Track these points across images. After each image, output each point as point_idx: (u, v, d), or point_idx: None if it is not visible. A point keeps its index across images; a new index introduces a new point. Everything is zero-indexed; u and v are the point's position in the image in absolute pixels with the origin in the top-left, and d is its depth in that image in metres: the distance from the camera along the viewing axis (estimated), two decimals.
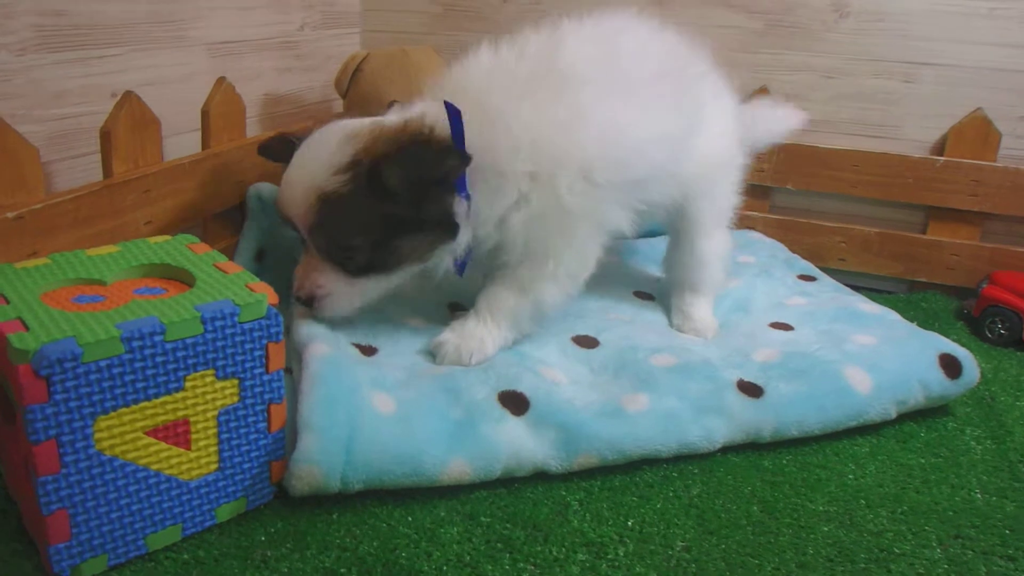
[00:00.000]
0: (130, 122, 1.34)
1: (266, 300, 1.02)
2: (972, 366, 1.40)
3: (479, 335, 1.34)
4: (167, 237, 1.18)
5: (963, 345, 1.48)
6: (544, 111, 1.27)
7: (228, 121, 1.58)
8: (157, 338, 0.93)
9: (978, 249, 1.92)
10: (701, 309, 1.58)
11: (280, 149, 1.33)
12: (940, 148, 1.92)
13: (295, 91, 2.00)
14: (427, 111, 1.27)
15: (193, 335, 0.96)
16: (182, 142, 1.60)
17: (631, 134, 1.33)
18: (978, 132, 1.87)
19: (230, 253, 1.58)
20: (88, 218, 1.26)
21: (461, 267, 1.34)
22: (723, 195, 1.56)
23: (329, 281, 1.27)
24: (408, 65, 1.88)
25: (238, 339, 1.00)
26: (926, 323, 1.70)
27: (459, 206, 1.25)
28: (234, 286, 1.03)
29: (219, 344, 0.98)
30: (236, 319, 0.99)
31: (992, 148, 1.87)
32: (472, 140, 1.24)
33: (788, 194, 1.99)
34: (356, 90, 1.88)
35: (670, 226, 1.60)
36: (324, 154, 1.22)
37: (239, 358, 1.01)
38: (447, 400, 1.19)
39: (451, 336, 1.34)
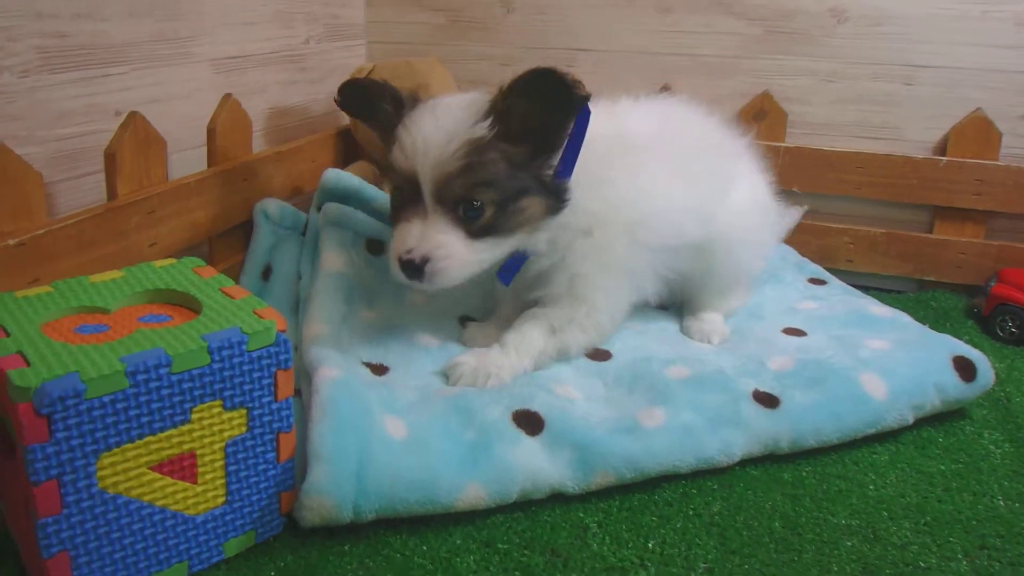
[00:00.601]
0: (135, 143, 1.28)
1: (275, 327, 0.95)
2: (986, 368, 1.35)
3: (498, 362, 1.29)
4: (172, 260, 1.11)
5: (975, 345, 1.44)
6: (612, 167, 1.31)
7: (234, 138, 1.52)
8: (163, 370, 0.86)
9: (984, 247, 1.88)
10: (711, 316, 1.53)
11: (359, 98, 1.33)
12: (942, 148, 1.89)
13: (301, 104, 1.93)
14: None
15: (200, 366, 0.89)
16: (188, 158, 1.53)
17: (673, 204, 1.36)
18: (979, 132, 1.84)
19: (236, 271, 1.53)
20: (91, 242, 1.19)
21: (511, 273, 1.31)
22: (742, 264, 1.54)
23: (449, 242, 1.20)
24: (414, 77, 1.82)
25: (246, 368, 0.93)
26: (937, 323, 1.68)
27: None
28: (241, 312, 0.96)
29: (226, 374, 0.91)
30: (244, 348, 0.92)
31: (993, 147, 1.84)
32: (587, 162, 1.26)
33: (795, 196, 1.92)
34: None
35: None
36: (462, 106, 1.21)
37: (247, 387, 0.94)
38: (460, 421, 1.13)
39: (468, 358, 1.29)
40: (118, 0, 1.37)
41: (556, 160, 1.23)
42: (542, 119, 1.18)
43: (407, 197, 1.22)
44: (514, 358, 1.30)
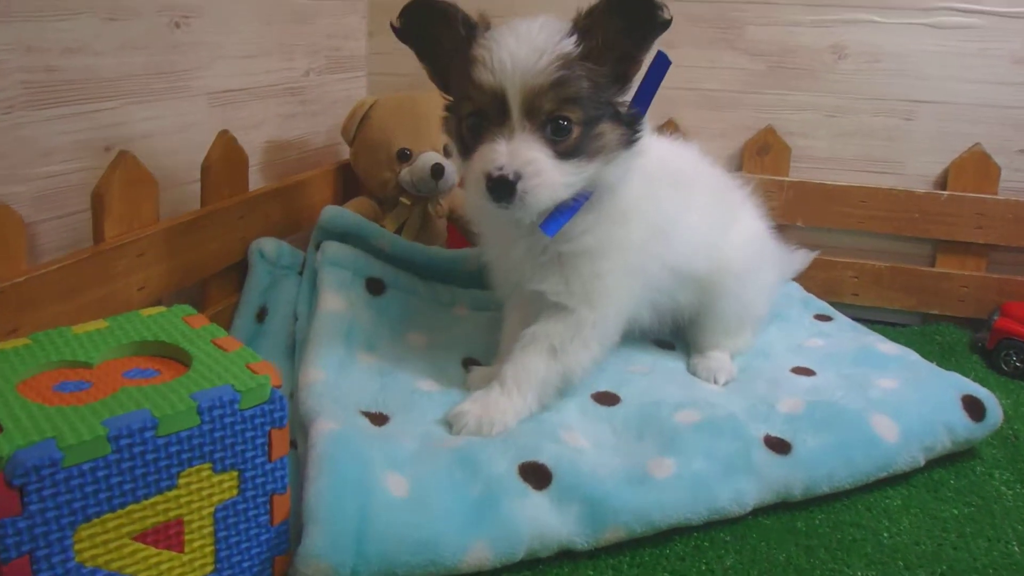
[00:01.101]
0: (124, 183, 1.20)
1: (269, 383, 0.86)
2: (995, 406, 1.30)
3: (502, 406, 1.20)
4: (162, 308, 1.02)
5: (981, 379, 1.43)
6: (660, 180, 1.29)
7: (229, 176, 1.43)
8: (148, 434, 0.77)
9: (986, 280, 1.85)
10: (718, 355, 1.47)
11: (422, 21, 1.24)
12: (943, 182, 1.86)
13: (300, 137, 1.85)
14: None
15: (188, 427, 0.80)
16: (184, 193, 1.45)
17: (694, 234, 1.36)
18: (978, 166, 1.82)
19: (231, 312, 1.44)
20: (76, 288, 1.11)
21: (554, 225, 1.19)
22: (746, 304, 1.48)
23: (540, 159, 1.12)
24: (416, 112, 1.74)
25: (238, 428, 0.84)
26: (943, 357, 1.66)
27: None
28: (234, 367, 0.87)
29: (217, 435, 0.83)
30: (236, 407, 0.83)
31: (993, 181, 1.81)
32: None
33: (799, 231, 1.89)
34: (364, 137, 1.74)
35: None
36: (545, 25, 1.14)
37: (239, 448, 0.85)
38: (465, 475, 1.04)
39: (472, 407, 1.20)
40: (113, 34, 1.30)
41: (631, 92, 1.18)
42: (624, 40, 1.13)
43: (491, 118, 1.13)
44: (516, 398, 1.21)
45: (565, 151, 1.12)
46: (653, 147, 1.28)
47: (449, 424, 1.19)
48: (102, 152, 1.28)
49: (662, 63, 1.16)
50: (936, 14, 1.78)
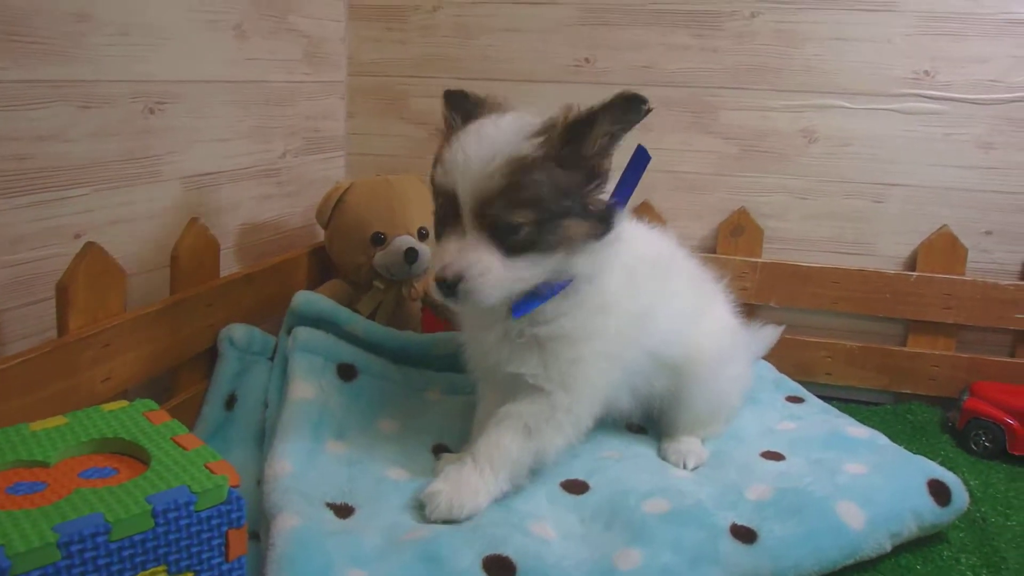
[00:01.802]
0: (90, 275, 1.18)
1: (227, 484, 0.84)
2: (960, 491, 1.29)
3: (473, 486, 1.18)
4: (123, 403, 1.00)
5: (951, 460, 1.47)
6: (640, 267, 1.29)
7: (199, 263, 1.41)
8: (100, 539, 0.75)
9: (956, 359, 1.85)
10: (689, 439, 1.44)
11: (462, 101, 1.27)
12: (912, 263, 1.88)
13: (277, 218, 1.84)
14: None
15: (142, 531, 0.78)
16: (156, 278, 1.44)
17: (673, 319, 1.36)
18: (946, 247, 1.84)
19: (201, 399, 1.41)
20: (38, 382, 1.08)
21: (523, 309, 1.20)
22: (719, 394, 1.47)
23: (485, 258, 1.12)
24: (392, 196, 1.73)
25: (194, 530, 0.82)
26: (914, 436, 1.66)
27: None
28: (192, 467, 0.86)
29: (172, 537, 0.81)
30: (192, 508, 0.81)
31: (960, 262, 1.83)
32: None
33: (772, 311, 1.90)
34: (338, 221, 1.73)
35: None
36: (514, 122, 1.14)
37: (195, 549, 0.83)
38: (429, 571, 1.01)
39: (444, 486, 1.17)
40: (87, 120, 1.29)
41: (608, 187, 1.18)
42: (599, 140, 1.13)
43: (447, 215, 1.14)
44: (489, 476, 1.19)
45: (517, 248, 1.12)
46: (631, 234, 1.28)
47: (422, 504, 1.16)
48: (71, 239, 1.26)
49: (642, 157, 1.18)
50: (903, 100, 1.82)
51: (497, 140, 1.11)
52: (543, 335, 1.21)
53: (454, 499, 1.15)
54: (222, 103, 1.61)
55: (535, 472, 1.26)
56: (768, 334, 1.81)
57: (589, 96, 1.91)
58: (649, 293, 1.30)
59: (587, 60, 1.96)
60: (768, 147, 1.91)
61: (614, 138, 1.14)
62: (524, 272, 1.14)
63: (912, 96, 1.81)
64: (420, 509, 1.16)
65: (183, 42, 1.48)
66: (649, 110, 1.12)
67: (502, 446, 1.21)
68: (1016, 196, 1.80)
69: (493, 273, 1.12)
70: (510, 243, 1.12)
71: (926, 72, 1.80)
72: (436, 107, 2.02)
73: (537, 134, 1.11)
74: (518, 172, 1.09)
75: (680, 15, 1.89)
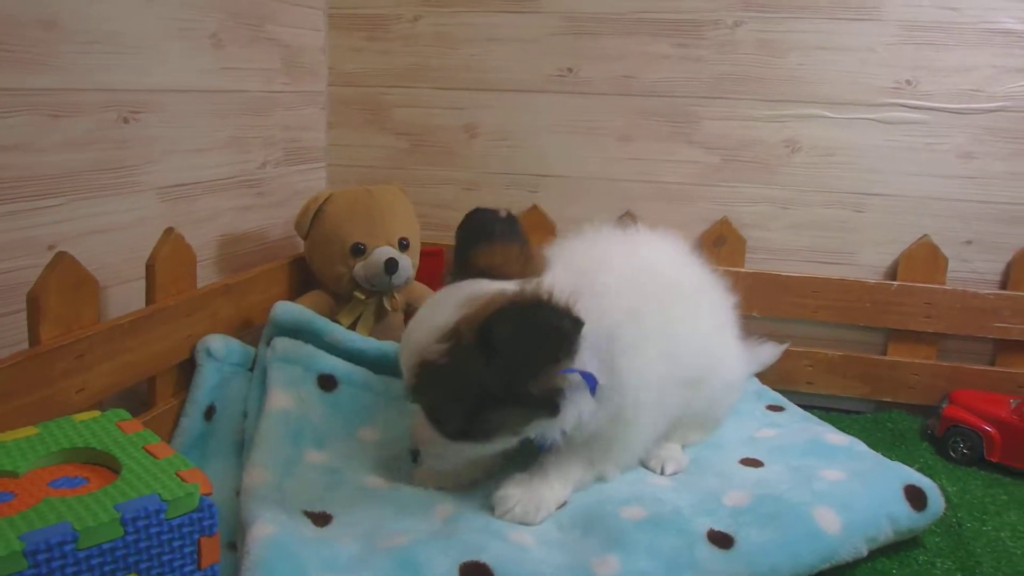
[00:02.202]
0: (62, 285, 1.17)
1: (198, 491, 0.84)
2: (937, 496, 1.30)
3: (544, 495, 1.22)
4: (95, 413, 1.00)
5: (929, 466, 1.50)
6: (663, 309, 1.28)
7: (176, 273, 1.40)
8: (68, 547, 0.75)
9: (936, 368, 1.86)
10: (670, 446, 1.45)
11: (477, 228, 1.27)
12: (893, 272, 1.89)
13: (257, 229, 1.84)
14: (546, 280, 1.17)
15: (111, 539, 0.78)
16: (132, 290, 1.43)
17: (703, 336, 1.37)
18: (927, 257, 1.85)
19: (177, 411, 1.40)
20: (10, 392, 1.07)
21: (545, 442, 1.22)
22: (716, 400, 1.48)
23: (429, 439, 1.19)
24: (372, 206, 1.74)
25: (164, 538, 0.82)
26: (893, 444, 1.67)
27: (569, 383, 1.14)
28: (163, 475, 0.85)
29: (142, 545, 0.80)
30: (163, 516, 0.81)
31: (941, 271, 1.84)
32: (605, 316, 1.18)
33: (754, 321, 1.89)
34: (317, 231, 1.73)
35: None
36: (435, 319, 1.14)
37: (166, 558, 0.82)
38: None
39: (516, 492, 1.21)
40: (58, 130, 1.29)
41: (549, 372, 1.11)
42: (526, 338, 1.08)
43: None
44: (558, 489, 1.24)
45: (451, 435, 1.16)
46: (645, 259, 1.34)
47: (492, 507, 1.20)
48: (45, 250, 1.25)
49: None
50: (885, 110, 1.83)
51: (417, 340, 1.13)
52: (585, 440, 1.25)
53: (528, 505, 1.19)
54: (199, 113, 1.61)
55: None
56: (768, 352, 1.83)
57: (572, 106, 1.96)
58: (676, 320, 1.29)
59: (570, 70, 1.97)
60: (751, 157, 1.92)
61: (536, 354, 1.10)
62: (472, 451, 1.20)
63: (894, 106, 1.83)
64: (409, 515, 1.18)
65: (157, 51, 1.48)
66: (571, 321, 1.08)
67: (569, 467, 1.26)
68: (996, 206, 1.82)
69: (437, 453, 1.20)
70: (440, 430, 1.16)
71: (908, 82, 1.81)
72: (419, 118, 2.06)
73: (446, 338, 1.10)
74: (427, 374, 1.12)
75: (662, 24, 1.90)
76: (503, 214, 1.28)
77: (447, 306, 1.13)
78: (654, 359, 1.23)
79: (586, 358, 1.13)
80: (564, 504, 1.24)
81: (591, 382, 1.14)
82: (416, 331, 1.15)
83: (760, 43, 1.87)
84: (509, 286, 1.15)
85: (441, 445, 1.18)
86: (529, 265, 1.22)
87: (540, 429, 1.18)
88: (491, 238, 1.24)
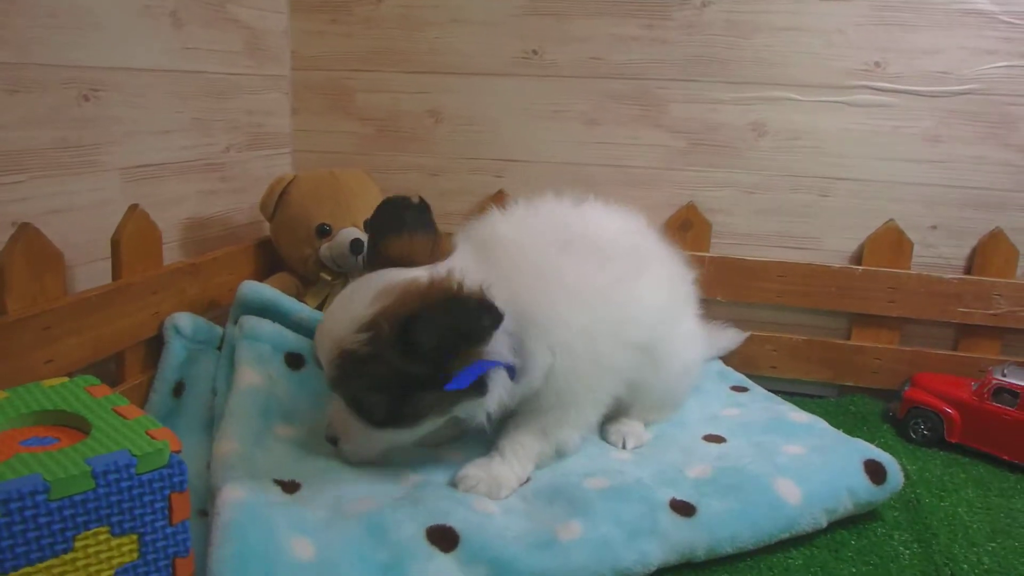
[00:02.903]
0: (27, 256, 1.20)
1: (168, 448, 0.89)
2: (896, 471, 1.35)
3: (505, 474, 1.28)
4: (64, 379, 1.04)
5: (889, 447, 1.52)
6: (600, 274, 1.31)
7: (141, 250, 1.44)
8: (40, 498, 0.80)
9: (899, 352, 1.91)
10: (632, 422, 1.52)
11: (389, 219, 1.31)
12: (858, 257, 1.93)
13: (222, 213, 1.87)
14: (455, 266, 1.20)
15: (83, 491, 0.82)
16: (97, 270, 1.45)
17: (657, 301, 1.40)
18: (892, 242, 1.89)
19: (146, 388, 1.44)
20: None
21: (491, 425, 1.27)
22: (676, 377, 1.53)
23: (352, 430, 1.23)
24: (337, 188, 1.78)
25: (136, 492, 0.86)
26: (855, 426, 1.71)
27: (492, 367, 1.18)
28: (133, 433, 0.90)
29: (114, 499, 0.85)
30: (133, 471, 0.86)
31: (906, 256, 1.88)
32: (520, 294, 1.21)
33: (718, 305, 1.94)
34: (283, 214, 1.78)
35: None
36: (351, 310, 1.16)
37: (138, 512, 0.87)
38: (372, 542, 1.06)
39: (476, 471, 1.27)
40: (17, 105, 1.31)
41: (470, 358, 1.15)
42: (448, 335, 1.12)
43: None
44: (516, 467, 1.29)
45: (376, 424, 1.20)
46: (599, 221, 1.40)
47: (455, 484, 1.25)
48: (9, 227, 1.27)
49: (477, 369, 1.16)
50: (853, 92, 1.86)
51: (335, 331, 1.16)
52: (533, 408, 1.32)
53: (491, 484, 1.25)
54: (160, 93, 1.63)
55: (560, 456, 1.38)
56: (729, 338, 1.88)
57: (538, 89, 1.99)
58: (617, 285, 1.33)
59: (535, 52, 1.99)
60: (717, 141, 1.95)
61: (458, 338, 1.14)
62: (395, 437, 1.24)
63: (862, 88, 1.86)
64: (376, 483, 1.23)
65: (116, 28, 1.49)
66: (491, 314, 1.11)
67: (525, 444, 1.31)
68: (963, 190, 1.86)
69: (359, 440, 1.24)
70: (367, 420, 1.20)
71: (877, 64, 1.84)
72: (383, 102, 2.08)
73: (366, 328, 1.13)
74: (349, 364, 1.15)
75: (629, 4, 1.92)
76: (415, 200, 1.32)
77: (362, 298, 1.16)
78: (582, 328, 1.26)
79: (500, 342, 1.17)
80: (528, 480, 1.30)
81: (506, 366, 1.20)
82: (333, 323, 1.18)
83: (728, 24, 1.89)
84: (421, 274, 1.18)
85: (363, 434, 1.22)
86: (436, 251, 1.26)
87: (466, 410, 1.22)
88: (402, 227, 1.28)
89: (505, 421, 1.33)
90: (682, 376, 1.53)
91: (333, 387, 1.20)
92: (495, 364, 1.17)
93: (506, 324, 1.14)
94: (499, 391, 1.20)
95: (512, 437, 1.32)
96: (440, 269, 1.20)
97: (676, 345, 1.47)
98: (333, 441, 1.25)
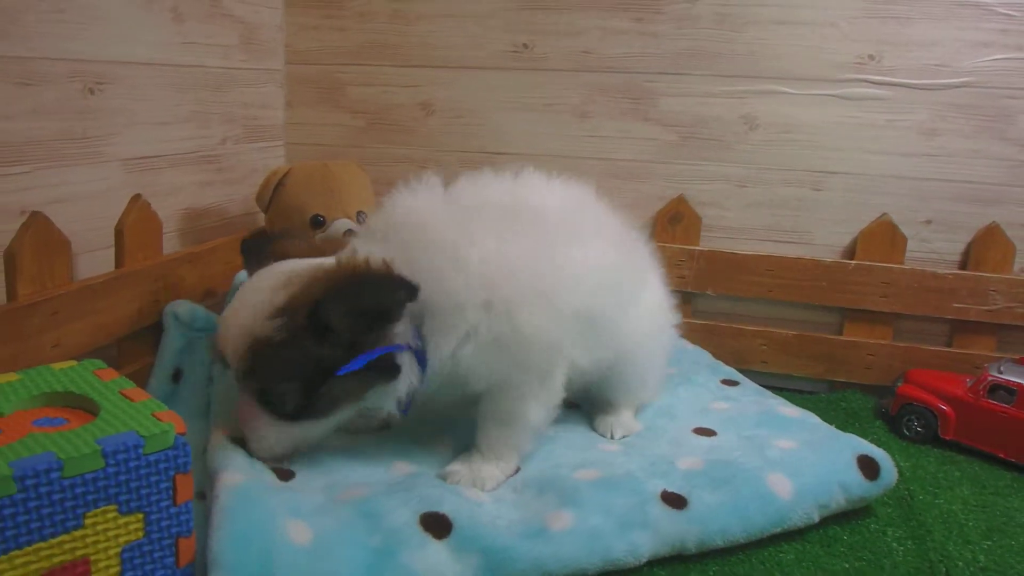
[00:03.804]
0: (36, 244, 1.27)
1: (173, 430, 0.95)
2: (889, 466, 1.38)
3: (489, 470, 1.31)
4: (73, 362, 1.11)
5: (882, 444, 1.49)
6: (509, 244, 1.25)
7: (143, 239, 1.51)
8: (54, 475, 0.86)
9: (892, 348, 1.93)
10: (622, 412, 1.55)
11: (259, 247, 1.30)
12: (851, 252, 1.95)
13: (218, 204, 1.93)
14: (358, 249, 1.22)
15: (93, 470, 0.89)
16: (97, 259, 1.52)
17: (592, 267, 1.32)
18: (885, 236, 1.91)
19: (146, 373, 1.51)
20: None
21: (405, 408, 1.26)
22: (652, 365, 1.54)
23: (262, 425, 1.20)
24: (330, 179, 1.84)
25: (143, 472, 0.93)
26: (847, 422, 1.72)
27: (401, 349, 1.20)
28: (140, 415, 0.96)
29: (122, 478, 0.91)
30: (140, 451, 0.92)
31: (899, 251, 1.90)
32: (419, 274, 1.18)
33: (709, 299, 1.99)
34: (278, 205, 1.83)
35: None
36: (259, 298, 1.16)
37: (144, 492, 0.93)
38: (366, 527, 1.11)
39: (462, 468, 1.31)
40: (23, 98, 1.37)
41: (381, 338, 1.18)
42: (360, 313, 1.15)
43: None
44: (498, 461, 1.33)
45: (288, 415, 1.19)
46: (538, 196, 1.35)
47: (443, 478, 1.29)
48: (17, 216, 1.34)
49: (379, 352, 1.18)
50: (846, 85, 1.89)
51: (244, 317, 1.15)
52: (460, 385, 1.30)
53: (476, 477, 1.29)
54: (160, 86, 1.68)
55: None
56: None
57: (528, 83, 2.04)
58: (549, 254, 1.28)
59: (525, 46, 2.02)
60: (708, 134, 1.97)
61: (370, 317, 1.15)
62: (305, 432, 1.23)
63: (856, 81, 1.88)
64: (368, 470, 1.29)
65: (120, 22, 1.55)
66: (404, 288, 1.14)
67: (492, 435, 1.33)
68: (957, 184, 1.88)
69: (270, 436, 1.21)
70: (278, 411, 1.19)
71: (871, 56, 1.86)
72: (375, 96, 2.12)
73: (278, 314, 1.13)
74: (261, 353, 1.14)
75: None
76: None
77: (270, 286, 1.17)
78: (483, 304, 1.22)
79: (403, 324, 1.19)
80: (517, 471, 1.34)
81: (414, 351, 1.21)
82: (241, 313, 1.16)
83: (719, 17, 1.92)
84: (327, 260, 1.20)
85: (272, 428, 1.20)
86: (337, 247, 1.27)
87: (377, 399, 1.22)
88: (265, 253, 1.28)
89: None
90: (647, 349, 1.50)
91: (241, 380, 1.17)
92: (402, 347, 1.19)
93: (409, 307, 1.16)
94: (408, 376, 1.21)
95: (483, 431, 1.33)
96: (344, 253, 1.23)
97: (630, 314, 1.43)
98: (240, 441, 1.23)
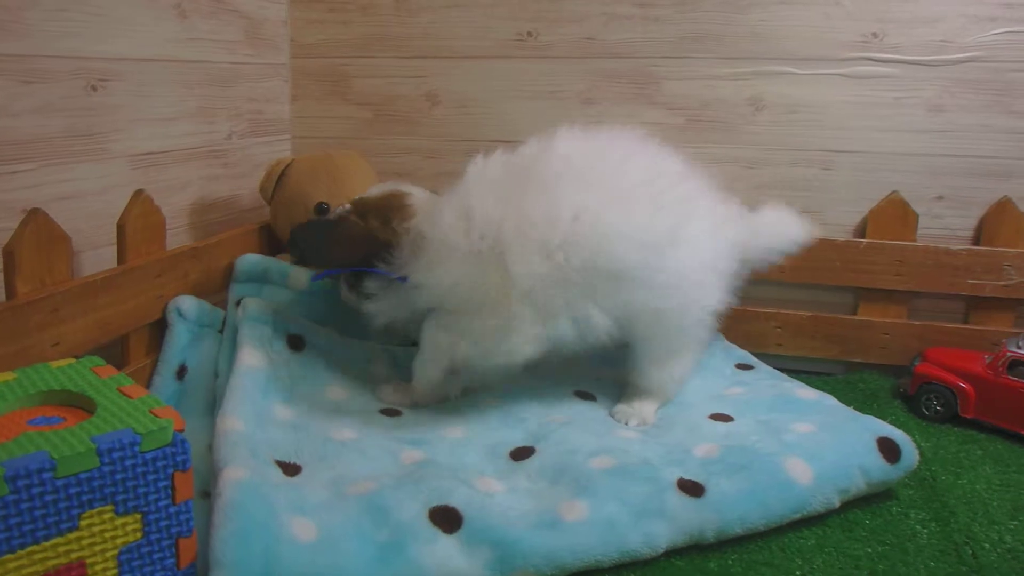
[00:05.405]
0: (36, 240, 1.23)
1: (171, 427, 0.90)
2: (910, 448, 1.33)
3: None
4: (71, 360, 1.07)
5: (901, 424, 1.46)
6: (513, 196, 1.32)
7: (146, 235, 1.47)
8: (46, 475, 0.82)
9: (908, 327, 1.89)
10: (643, 403, 1.51)
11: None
12: (862, 231, 1.92)
13: (225, 198, 1.90)
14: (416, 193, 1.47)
15: (88, 469, 0.85)
16: (103, 256, 1.49)
17: (604, 221, 1.31)
18: (896, 214, 1.87)
19: (150, 370, 1.47)
20: None
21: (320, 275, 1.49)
22: (695, 317, 1.46)
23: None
24: (333, 169, 1.80)
25: (139, 470, 0.89)
26: (865, 403, 1.68)
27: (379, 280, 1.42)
28: (137, 412, 0.92)
29: (118, 477, 0.87)
30: (137, 449, 0.88)
31: (911, 228, 1.86)
32: (425, 218, 1.36)
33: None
34: (281, 195, 1.80)
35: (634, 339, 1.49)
36: None
37: (141, 491, 0.89)
38: (373, 521, 1.08)
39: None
40: (27, 95, 1.34)
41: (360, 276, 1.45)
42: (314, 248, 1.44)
43: None
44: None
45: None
46: (563, 160, 1.36)
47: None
48: (19, 214, 1.30)
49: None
50: (852, 64, 1.85)
51: None
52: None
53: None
54: (165, 82, 1.65)
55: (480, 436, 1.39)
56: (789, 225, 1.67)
57: (533, 71, 2.00)
58: (570, 215, 1.31)
59: (529, 34, 1.99)
60: (714, 117, 1.94)
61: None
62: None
63: (861, 60, 1.84)
64: (376, 463, 1.25)
65: (123, 19, 1.52)
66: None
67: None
68: (967, 159, 1.84)
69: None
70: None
71: (875, 35, 1.82)
72: (380, 88, 2.10)
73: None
74: None
75: None
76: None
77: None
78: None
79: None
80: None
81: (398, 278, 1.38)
82: None
83: None
84: (415, 191, 1.47)
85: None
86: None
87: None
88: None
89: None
90: (678, 320, 1.44)
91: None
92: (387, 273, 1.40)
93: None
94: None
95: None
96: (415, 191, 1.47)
97: (658, 280, 1.37)
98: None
